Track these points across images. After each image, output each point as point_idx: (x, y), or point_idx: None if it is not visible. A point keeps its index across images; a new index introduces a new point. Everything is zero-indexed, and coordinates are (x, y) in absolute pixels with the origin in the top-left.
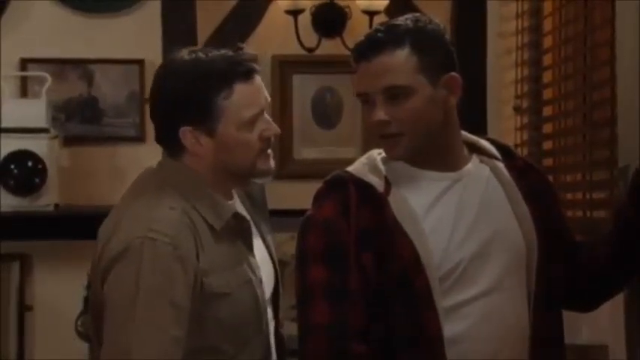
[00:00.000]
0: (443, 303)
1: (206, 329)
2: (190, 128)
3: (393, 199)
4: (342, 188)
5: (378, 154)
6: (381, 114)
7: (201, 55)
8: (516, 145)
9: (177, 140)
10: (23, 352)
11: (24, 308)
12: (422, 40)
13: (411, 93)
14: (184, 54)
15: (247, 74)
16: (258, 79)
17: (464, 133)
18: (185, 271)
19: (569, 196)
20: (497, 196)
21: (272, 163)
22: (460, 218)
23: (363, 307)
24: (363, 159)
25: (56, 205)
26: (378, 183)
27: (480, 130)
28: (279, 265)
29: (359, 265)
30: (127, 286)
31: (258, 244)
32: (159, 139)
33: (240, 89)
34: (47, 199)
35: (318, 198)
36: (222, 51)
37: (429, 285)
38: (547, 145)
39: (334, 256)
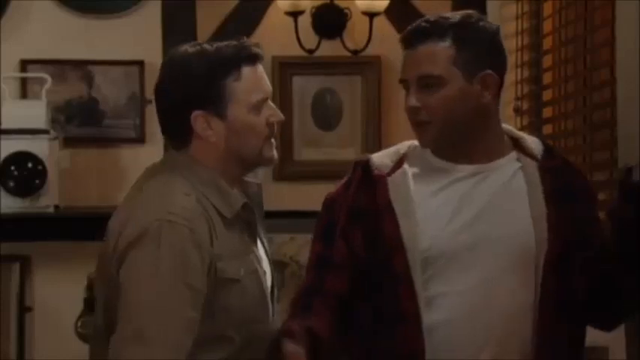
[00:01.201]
0: (427, 289)
1: (215, 317)
2: (202, 112)
3: (392, 182)
4: (353, 171)
5: (412, 142)
6: (412, 100)
7: (205, 45)
8: None
9: (186, 128)
10: (23, 353)
11: (24, 309)
12: (464, 34)
13: (442, 83)
14: (187, 47)
15: (252, 58)
16: (260, 66)
17: (509, 128)
18: (201, 255)
19: None
20: (517, 194)
21: (276, 152)
22: (462, 209)
23: (345, 275)
24: (398, 145)
25: (56, 207)
26: (384, 166)
27: None
28: (279, 267)
29: (346, 239)
30: (145, 267)
31: (259, 243)
32: (166, 130)
33: (247, 72)
34: (47, 201)
35: None
36: (225, 42)
37: (408, 267)
38: None
39: (329, 233)
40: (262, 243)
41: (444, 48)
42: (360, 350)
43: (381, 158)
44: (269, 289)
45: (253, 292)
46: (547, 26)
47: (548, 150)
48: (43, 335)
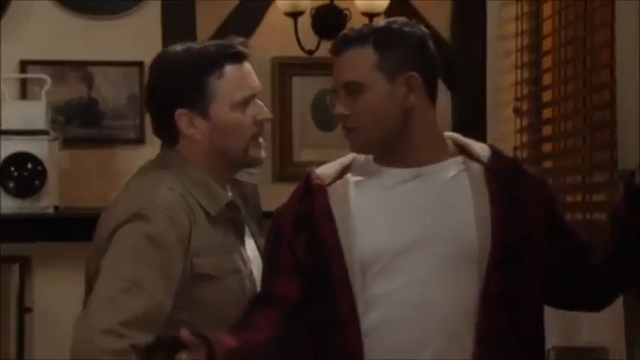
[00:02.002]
0: (366, 292)
1: (192, 313)
2: (185, 111)
3: (332, 191)
4: (301, 182)
5: None
6: (340, 108)
7: (193, 45)
8: (515, 148)
9: (173, 127)
10: (23, 354)
11: (24, 310)
12: (385, 38)
13: (365, 89)
14: (176, 47)
15: (236, 56)
16: (247, 64)
17: (453, 134)
18: (179, 246)
19: (568, 198)
20: (460, 196)
21: (263, 152)
22: (400, 213)
23: (290, 280)
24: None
25: (56, 208)
26: (326, 176)
27: (480, 132)
28: None
29: (290, 247)
30: (125, 249)
31: (250, 244)
32: (156, 129)
33: (230, 70)
34: (47, 202)
35: None
36: (213, 41)
37: (346, 271)
38: (547, 147)
39: (277, 240)
40: (256, 244)
41: (366, 53)
42: (308, 355)
43: (324, 169)
44: (257, 289)
45: (234, 291)
46: (547, 27)
47: (496, 154)
48: (42, 336)
